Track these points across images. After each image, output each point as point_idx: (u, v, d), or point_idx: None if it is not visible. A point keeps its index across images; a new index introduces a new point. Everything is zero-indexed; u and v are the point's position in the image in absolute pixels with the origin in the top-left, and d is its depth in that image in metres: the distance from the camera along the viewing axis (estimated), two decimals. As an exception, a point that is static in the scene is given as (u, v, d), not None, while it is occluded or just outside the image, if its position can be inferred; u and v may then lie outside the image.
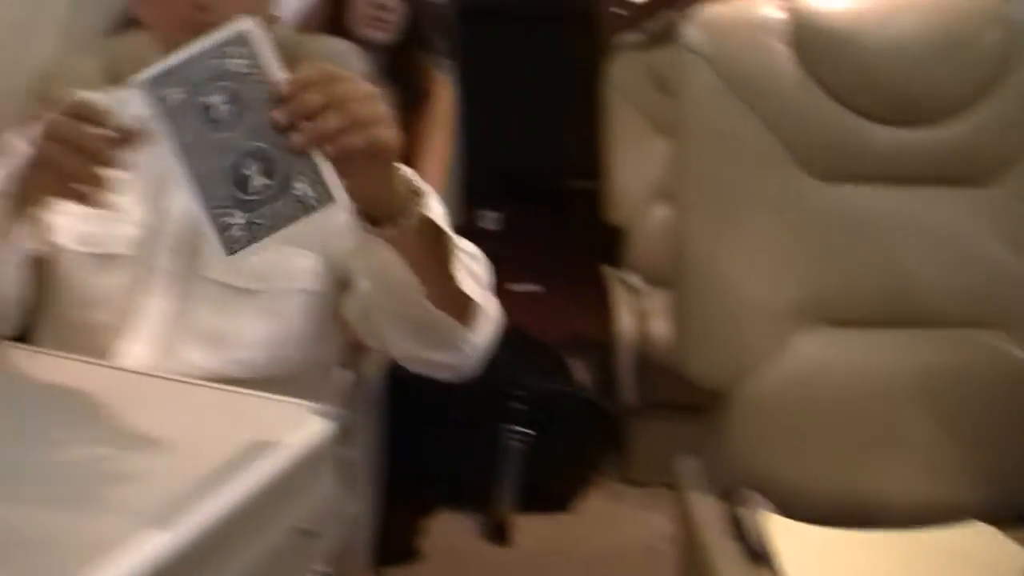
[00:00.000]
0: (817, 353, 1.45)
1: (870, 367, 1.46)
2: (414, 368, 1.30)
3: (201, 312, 1.31)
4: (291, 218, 0.92)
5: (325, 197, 0.92)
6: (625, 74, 3.51)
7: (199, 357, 1.29)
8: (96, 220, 1.26)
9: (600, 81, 3.57)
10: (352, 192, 0.98)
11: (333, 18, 2.39)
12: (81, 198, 0.95)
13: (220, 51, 0.90)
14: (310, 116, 0.91)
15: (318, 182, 0.92)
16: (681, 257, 1.48)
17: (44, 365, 1.14)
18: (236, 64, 0.90)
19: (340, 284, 1.35)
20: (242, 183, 0.92)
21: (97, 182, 0.94)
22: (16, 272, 1.21)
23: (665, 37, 3.70)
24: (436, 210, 1.13)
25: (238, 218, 0.92)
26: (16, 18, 1.82)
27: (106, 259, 1.30)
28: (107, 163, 0.93)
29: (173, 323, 1.30)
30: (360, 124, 0.93)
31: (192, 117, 0.91)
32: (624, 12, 3.97)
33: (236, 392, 1.06)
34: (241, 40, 0.90)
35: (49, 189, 1.00)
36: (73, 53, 2.01)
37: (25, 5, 1.84)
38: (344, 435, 0.99)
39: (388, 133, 0.97)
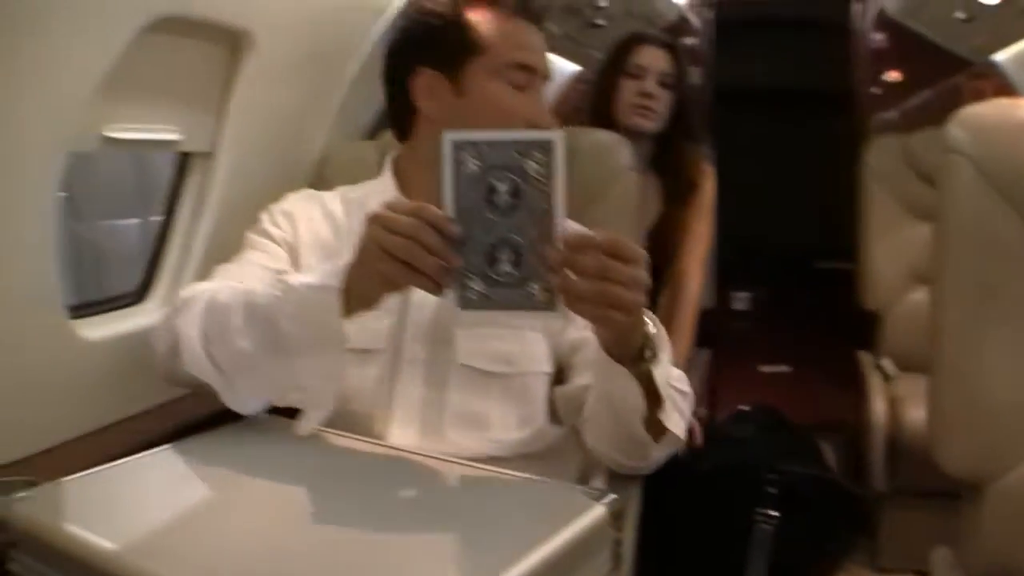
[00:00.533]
0: (1079, 452, 1.41)
1: None
2: (595, 456, 1.44)
3: (456, 396, 1.44)
4: (517, 307, 1.09)
5: (550, 305, 1.08)
6: (882, 157, 3.49)
7: (461, 438, 1.42)
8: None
9: (854, 162, 3.55)
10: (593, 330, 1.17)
11: (600, 108, 2.47)
12: (427, 286, 1.12)
13: (525, 148, 1.05)
14: (575, 270, 1.05)
15: (550, 291, 1.08)
16: (937, 351, 1.49)
17: (347, 445, 1.30)
18: (532, 166, 1.05)
19: (557, 369, 1.51)
20: (492, 262, 1.08)
21: (438, 274, 1.10)
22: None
23: (923, 118, 3.67)
24: (663, 365, 1.26)
25: (477, 285, 1.10)
26: (293, 108, 1.99)
27: (362, 353, 1.42)
28: (445, 259, 1.09)
29: (432, 408, 1.44)
30: (608, 303, 1.07)
31: (476, 189, 1.08)
32: (880, 91, 3.96)
33: (521, 476, 1.17)
34: (546, 148, 1.05)
35: (389, 282, 1.15)
36: (349, 142, 2.22)
37: (301, 97, 2.00)
38: (616, 517, 1.07)
39: (625, 320, 1.11)
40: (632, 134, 2.33)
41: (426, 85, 1.49)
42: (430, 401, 1.44)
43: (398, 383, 1.45)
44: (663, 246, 2.45)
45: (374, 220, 1.14)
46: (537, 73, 1.47)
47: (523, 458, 1.44)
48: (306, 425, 1.29)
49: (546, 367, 1.50)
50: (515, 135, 1.08)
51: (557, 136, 1.05)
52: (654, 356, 1.22)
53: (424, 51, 1.50)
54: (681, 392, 1.38)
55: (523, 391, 1.47)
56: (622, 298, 1.07)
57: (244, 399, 1.32)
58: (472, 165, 1.07)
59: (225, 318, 1.29)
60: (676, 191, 2.47)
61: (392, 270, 1.11)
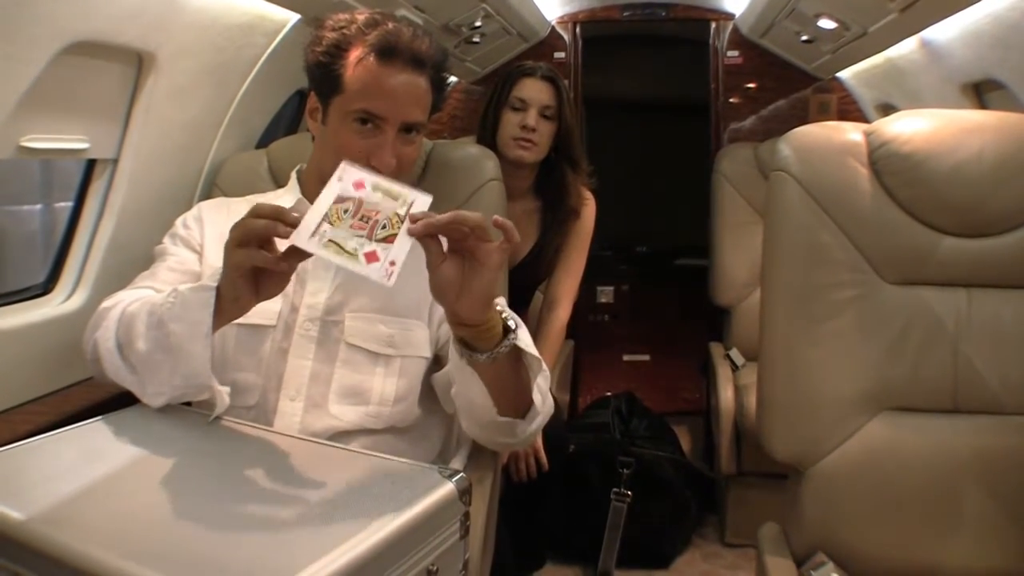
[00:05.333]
0: (886, 435, 1.52)
1: (933, 449, 1.51)
2: (477, 440, 1.52)
3: (343, 372, 1.50)
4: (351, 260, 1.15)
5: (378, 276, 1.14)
6: (734, 163, 3.56)
7: (342, 411, 1.48)
8: None
9: (711, 168, 3.63)
10: (455, 318, 1.22)
11: (485, 139, 2.43)
12: (272, 263, 1.18)
13: (397, 194, 1.19)
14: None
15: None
16: (765, 346, 1.58)
17: (236, 429, 1.33)
18: (400, 210, 1.17)
19: (436, 356, 1.57)
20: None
21: (287, 269, 1.18)
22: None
23: (773, 127, 3.79)
24: (525, 340, 1.33)
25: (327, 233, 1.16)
26: (190, 120, 2.01)
27: (257, 329, 1.48)
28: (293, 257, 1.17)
29: (319, 381, 1.49)
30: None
31: (349, 210, 1.17)
32: (736, 102, 4.06)
33: (384, 458, 1.23)
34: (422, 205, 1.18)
35: (244, 273, 1.19)
36: (242, 150, 2.24)
37: (197, 110, 2.03)
38: (464, 492, 1.13)
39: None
40: (515, 164, 2.36)
41: (311, 107, 1.55)
42: (317, 375, 1.48)
43: (291, 358, 1.49)
44: (539, 268, 2.47)
45: (235, 226, 1.19)
46: (386, 120, 1.45)
47: (393, 431, 1.51)
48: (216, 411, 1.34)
49: (425, 352, 1.55)
50: (395, 185, 1.19)
51: (428, 199, 1.18)
52: (511, 329, 1.28)
53: (311, 77, 1.52)
54: (543, 372, 1.43)
55: (401, 371, 1.52)
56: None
57: (153, 397, 1.35)
58: (352, 191, 1.17)
59: (132, 326, 1.35)
60: (556, 216, 2.48)
61: (242, 256, 1.18)
